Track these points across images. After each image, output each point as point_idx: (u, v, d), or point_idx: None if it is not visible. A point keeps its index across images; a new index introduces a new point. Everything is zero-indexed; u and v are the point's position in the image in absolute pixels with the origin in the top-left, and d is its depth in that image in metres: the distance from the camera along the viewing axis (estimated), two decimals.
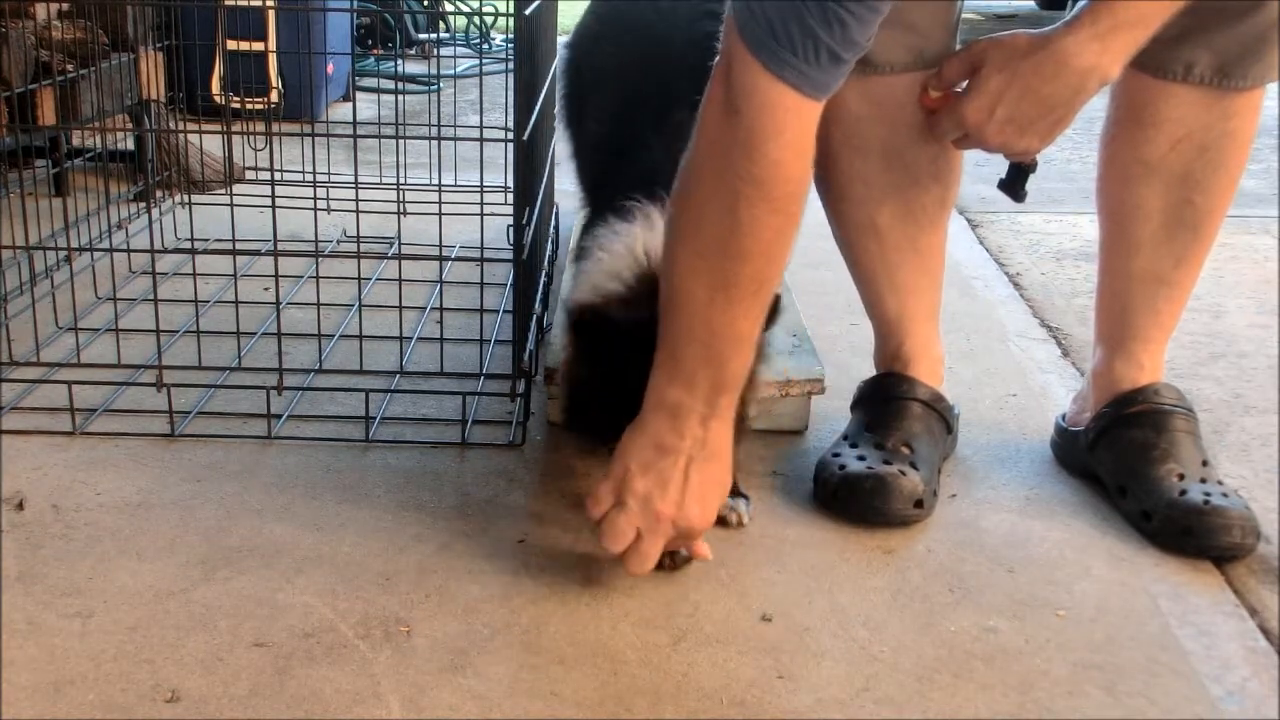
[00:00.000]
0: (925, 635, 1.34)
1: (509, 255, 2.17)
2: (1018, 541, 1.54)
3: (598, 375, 1.48)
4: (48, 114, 2.56)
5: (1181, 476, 1.56)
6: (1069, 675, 1.28)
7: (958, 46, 1.55)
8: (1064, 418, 1.77)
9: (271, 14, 3.68)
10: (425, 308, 2.25)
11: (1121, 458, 1.62)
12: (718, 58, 1.27)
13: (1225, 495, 1.53)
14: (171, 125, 3.07)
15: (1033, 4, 7.86)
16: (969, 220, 3.04)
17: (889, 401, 1.68)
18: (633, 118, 1.66)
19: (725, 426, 1.36)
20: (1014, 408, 1.93)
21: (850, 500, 1.57)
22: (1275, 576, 1.47)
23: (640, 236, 1.49)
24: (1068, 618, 1.38)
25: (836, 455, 1.63)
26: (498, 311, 2.21)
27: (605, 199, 1.59)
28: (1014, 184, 1.58)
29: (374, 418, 1.80)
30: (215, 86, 3.60)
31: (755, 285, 1.30)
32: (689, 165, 1.31)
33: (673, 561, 1.43)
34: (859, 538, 1.53)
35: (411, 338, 2.07)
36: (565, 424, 1.60)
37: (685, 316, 1.32)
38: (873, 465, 1.58)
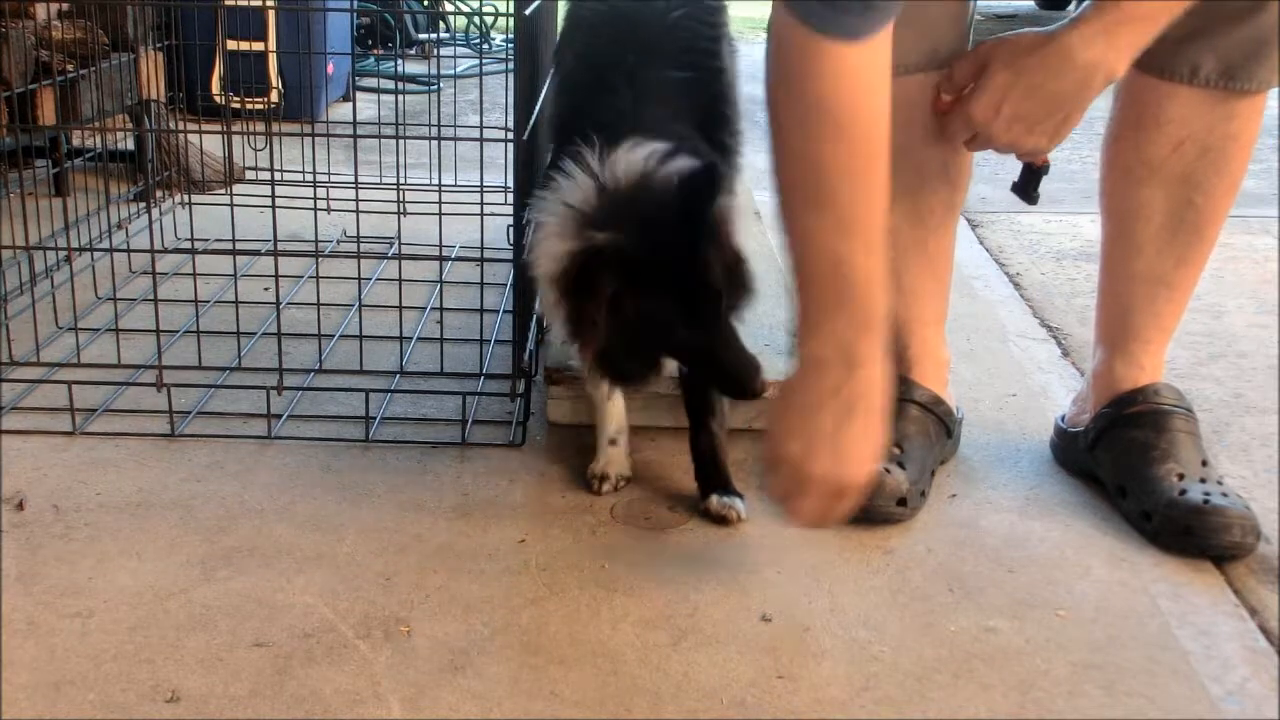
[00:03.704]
0: (925, 635, 1.34)
1: (509, 255, 2.17)
2: (1018, 541, 1.54)
3: (615, 315, 1.42)
4: (48, 114, 2.56)
5: (1181, 476, 1.56)
6: (1069, 675, 1.28)
7: (969, 47, 1.55)
8: (1063, 418, 1.77)
9: (271, 14, 3.68)
10: (425, 308, 2.25)
11: (1121, 458, 1.63)
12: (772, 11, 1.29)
13: (1225, 495, 1.54)
14: (171, 125, 3.07)
15: (1032, 4, 7.86)
16: (969, 220, 3.04)
17: None
18: (606, 66, 1.68)
19: (875, 373, 1.31)
20: (1014, 408, 1.93)
21: None
22: (1275, 576, 1.47)
23: (575, 182, 1.47)
24: (1068, 618, 1.38)
25: None
26: (498, 311, 2.21)
27: (567, 138, 1.59)
28: (1026, 186, 1.58)
29: (374, 418, 1.80)
30: (215, 86, 3.60)
31: (854, 222, 1.28)
32: (769, 122, 1.32)
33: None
34: (859, 537, 1.53)
35: (411, 338, 2.07)
36: (607, 376, 1.54)
37: (801, 264, 1.31)
38: None
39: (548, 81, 1.98)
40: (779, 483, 1.34)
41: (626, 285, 1.40)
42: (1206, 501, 1.51)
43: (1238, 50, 1.50)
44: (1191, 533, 1.50)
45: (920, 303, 1.71)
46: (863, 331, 1.30)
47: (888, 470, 1.56)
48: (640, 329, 1.42)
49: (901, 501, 1.56)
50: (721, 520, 1.55)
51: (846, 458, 1.31)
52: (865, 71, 1.27)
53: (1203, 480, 1.56)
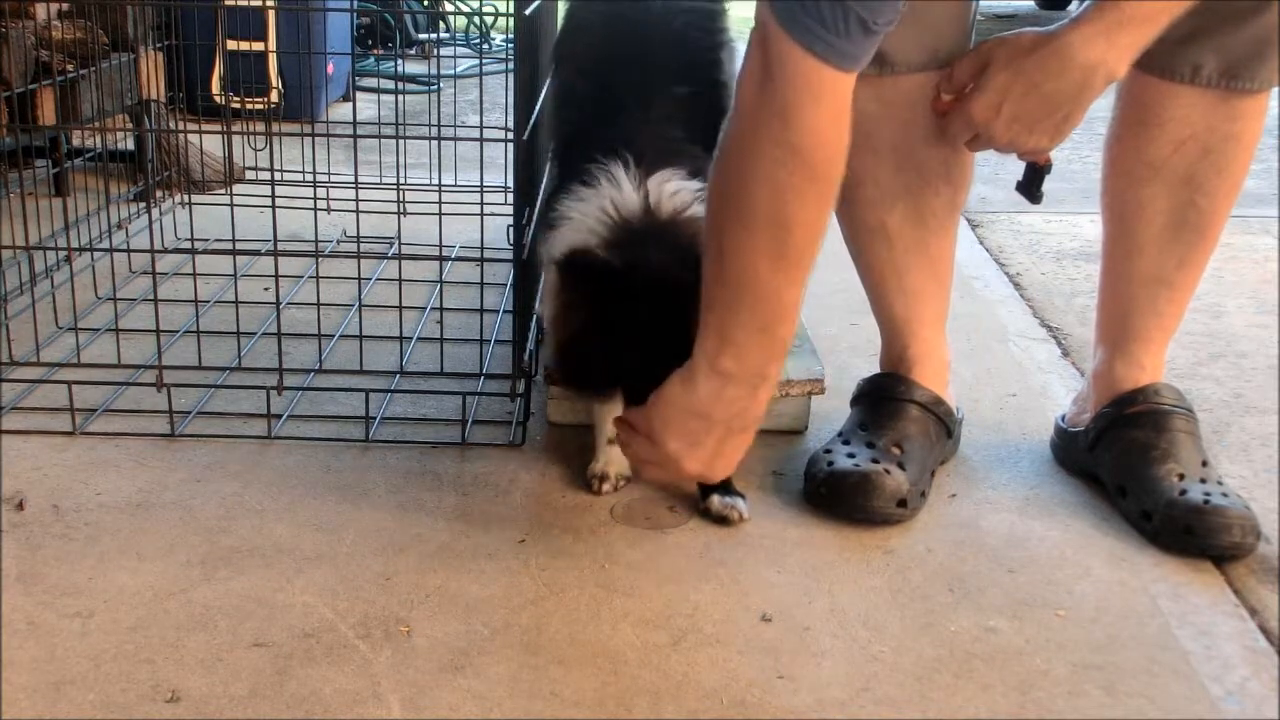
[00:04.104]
0: (925, 635, 1.34)
1: (509, 255, 2.17)
2: (1018, 541, 1.54)
3: (593, 320, 1.48)
4: (48, 114, 2.56)
5: (1181, 476, 1.56)
6: (1069, 675, 1.28)
7: (971, 47, 1.55)
8: (1064, 418, 1.77)
9: (271, 14, 3.68)
10: (425, 308, 2.25)
11: (1121, 458, 1.62)
12: (754, 26, 1.28)
13: (1225, 495, 1.54)
14: (171, 125, 3.07)
15: (1032, 4, 7.86)
16: (969, 220, 3.04)
17: (886, 401, 1.68)
18: (615, 86, 1.69)
19: (769, 393, 1.38)
20: (1014, 408, 1.93)
21: (835, 497, 1.57)
22: (1275, 576, 1.47)
23: (608, 194, 1.52)
24: (1068, 618, 1.38)
25: (828, 452, 1.63)
26: (498, 311, 2.21)
27: (573, 162, 1.61)
28: (1030, 185, 1.58)
29: (374, 418, 1.80)
30: (215, 86, 3.60)
31: (799, 253, 1.31)
32: (730, 135, 1.31)
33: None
34: (859, 537, 1.53)
35: (412, 338, 2.07)
36: (560, 378, 1.60)
37: (733, 285, 1.33)
38: (859, 463, 1.58)
39: (547, 83, 1.98)
40: (642, 452, 1.42)
41: (612, 308, 1.43)
42: (1207, 502, 1.51)
43: (1239, 50, 1.50)
44: (1192, 533, 1.50)
45: (921, 303, 1.71)
46: (774, 358, 1.36)
47: (888, 471, 1.57)
48: (600, 354, 1.47)
49: (901, 503, 1.56)
50: (723, 520, 1.55)
51: (718, 466, 1.41)
52: (847, 105, 1.28)
53: (1203, 480, 1.56)
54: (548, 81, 1.97)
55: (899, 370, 1.72)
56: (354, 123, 3.80)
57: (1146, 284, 1.66)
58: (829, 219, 1.33)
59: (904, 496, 1.56)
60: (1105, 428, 1.65)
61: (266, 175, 2.35)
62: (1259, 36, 1.49)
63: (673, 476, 1.44)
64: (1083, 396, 1.77)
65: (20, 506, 1.54)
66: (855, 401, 1.74)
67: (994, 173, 3.08)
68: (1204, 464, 1.60)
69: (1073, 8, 1.43)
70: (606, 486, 1.62)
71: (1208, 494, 1.53)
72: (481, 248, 2.13)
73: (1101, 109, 1.63)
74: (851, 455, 1.61)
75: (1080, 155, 3.66)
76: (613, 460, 1.63)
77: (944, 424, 1.69)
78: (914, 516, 1.58)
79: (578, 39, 1.85)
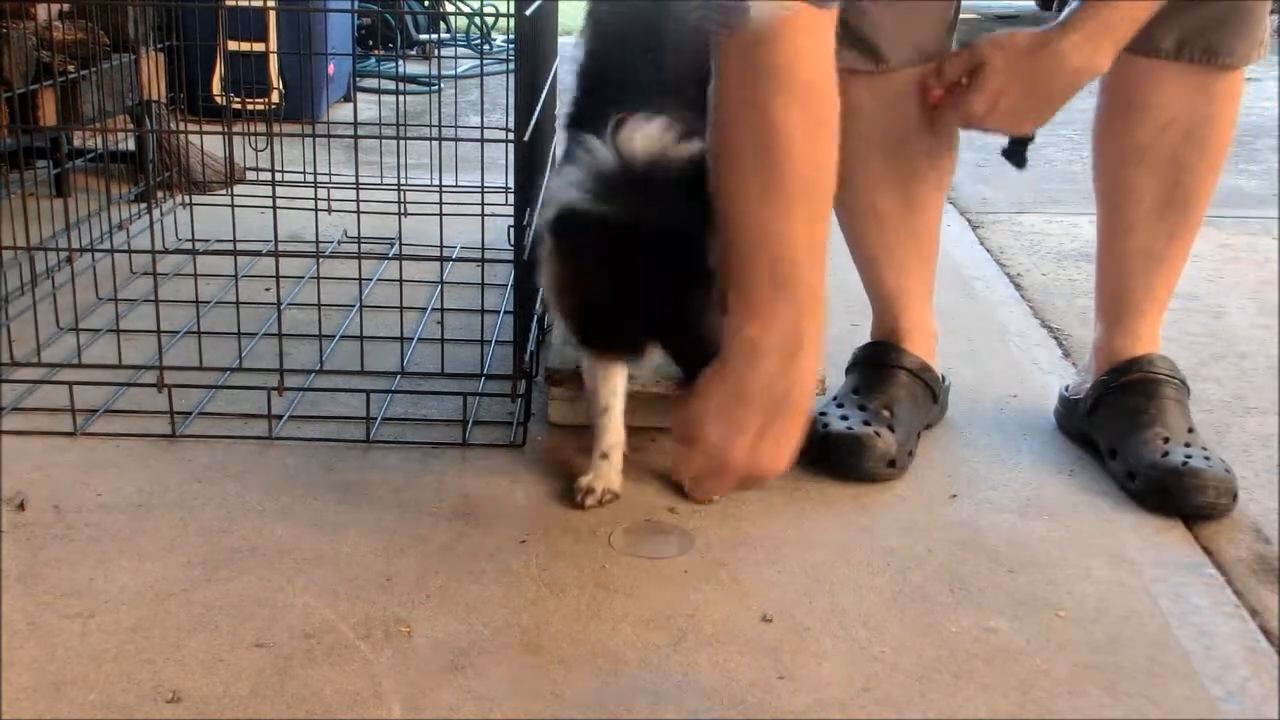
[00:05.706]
0: (925, 635, 1.34)
1: (509, 256, 2.17)
2: (1018, 541, 1.54)
3: (591, 276, 1.41)
4: (49, 115, 2.56)
5: (1166, 440, 1.64)
6: (1069, 675, 1.28)
7: (954, 45, 1.69)
8: (1067, 388, 1.87)
9: (272, 14, 3.68)
10: (426, 308, 2.25)
11: (1114, 422, 1.71)
12: None
13: (1207, 459, 1.61)
14: (172, 126, 3.07)
15: (1033, 4, 7.87)
16: (969, 221, 3.03)
17: (878, 368, 1.79)
18: (625, 66, 1.68)
19: (811, 361, 1.27)
20: (1014, 408, 1.94)
21: (829, 457, 1.66)
22: (1275, 576, 1.47)
23: (597, 149, 1.45)
24: (1068, 618, 1.38)
25: (823, 415, 1.72)
26: (498, 312, 2.21)
27: (583, 128, 1.59)
28: (1015, 153, 1.70)
29: (375, 418, 1.80)
30: (216, 87, 3.60)
31: (804, 188, 1.25)
32: (718, 87, 1.29)
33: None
34: (859, 538, 1.53)
35: (412, 338, 2.07)
36: (583, 342, 1.49)
37: (743, 239, 1.26)
38: (853, 425, 1.68)
39: (549, 83, 1.98)
40: (692, 463, 1.33)
41: (610, 253, 1.37)
42: (1185, 463, 1.59)
43: (1219, 26, 1.59)
44: (1168, 492, 1.58)
45: (909, 277, 1.82)
46: (807, 314, 1.26)
47: (878, 434, 1.66)
48: (618, 299, 1.39)
49: (891, 463, 1.66)
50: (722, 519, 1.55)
51: (765, 455, 1.28)
52: (829, 40, 1.27)
53: (1187, 445, 1.64)
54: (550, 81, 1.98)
55: (890, 340, 1.83)
56: (355, 123, 3.81)
57: (1138, 259, 1.76)
58: (832, 158, 1.27)
59: (893, 457, 1.66)
60: (1102, 394, 1.75)
61: (267, 176, 2.35)
62: (1237, 12, 1.58)
63: (721, 479, 1.32)
64: (1085, 368, 1.86)
65: (21, 507, 1.54)
66: (850, 369, 1.84)
67: (996, 173, 3.08)
68: (1190, 430, 1.68)
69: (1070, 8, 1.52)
70: (591, 500, 1.58)
71: (1188, 456, 1.60)
72: (482, 248, 2.13)
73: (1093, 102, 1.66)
74: (845, 418, 1.70)
75: (1081, 156, 3.66)
76: (602, 474, 1.60)
77: (930, 389, 1.80)
78: (902, 475, 1.66)
79: (595, 36, 1.85)
